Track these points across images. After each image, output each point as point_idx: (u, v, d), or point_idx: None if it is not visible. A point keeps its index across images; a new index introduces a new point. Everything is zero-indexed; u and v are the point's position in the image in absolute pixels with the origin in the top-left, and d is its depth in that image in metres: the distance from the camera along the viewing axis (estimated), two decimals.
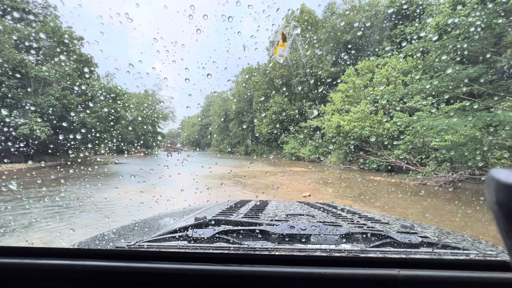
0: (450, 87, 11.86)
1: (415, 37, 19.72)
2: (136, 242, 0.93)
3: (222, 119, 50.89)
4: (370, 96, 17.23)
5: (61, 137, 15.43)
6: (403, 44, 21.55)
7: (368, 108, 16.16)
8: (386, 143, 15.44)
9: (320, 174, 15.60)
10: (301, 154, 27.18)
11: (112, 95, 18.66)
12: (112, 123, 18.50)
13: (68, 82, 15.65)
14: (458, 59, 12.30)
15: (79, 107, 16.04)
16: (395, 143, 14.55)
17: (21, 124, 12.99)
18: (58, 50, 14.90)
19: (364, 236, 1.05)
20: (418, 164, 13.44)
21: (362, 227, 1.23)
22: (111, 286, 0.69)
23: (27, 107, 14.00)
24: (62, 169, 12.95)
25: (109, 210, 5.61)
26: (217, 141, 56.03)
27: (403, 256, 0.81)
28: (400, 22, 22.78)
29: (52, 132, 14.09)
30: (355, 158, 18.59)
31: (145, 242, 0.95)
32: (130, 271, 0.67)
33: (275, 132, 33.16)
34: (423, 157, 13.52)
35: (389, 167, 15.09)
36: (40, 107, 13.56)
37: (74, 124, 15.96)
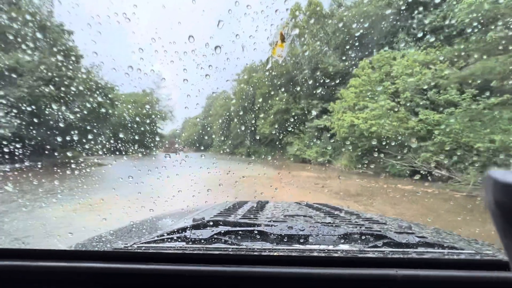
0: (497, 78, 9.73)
1: (438, 25, 17.59)
2: (134, 243, 0.93)
3: (223, 120, 49.38)
4: (388, 90, 15.05)
5: (34, 135, 13.44)
6: (419, 35, 19.54)
7: (388, 103, 13.97)
8: (409, 144, 13.22)
9: (333, 181, 13.37)
10: (306, 156, 25.15)
11: (98, 89, 16.65)
12: (97, 120, 16.45)
13: (44, 72, 13.67)
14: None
15: (57, 101, 14.04)
16: (422, 144, 12.33)
17: None
18: (31, 35, 12.93)
19: (362, 236, 1.02)
20: (453, 170, 11.20)
21: (360, 227, 1.18)
22: None
23: None
24: (30, 173, 10.98)
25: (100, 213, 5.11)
26: (218, 142, 54.77)
27: (401, 256, 0.79)
28: (418, 12, 20.72)
29: (21, 129, 12.09)
30: (370, 161, 16.36)
31: (142, 243, 0.94)
32: (127, 273, 0.67)
33: (278, 132, 31.40)
34: (457, 160, 11.28)
35: (414, 173, 12.82)
36: (5, 98, 11.57)
37: (51, 122, 13.93)
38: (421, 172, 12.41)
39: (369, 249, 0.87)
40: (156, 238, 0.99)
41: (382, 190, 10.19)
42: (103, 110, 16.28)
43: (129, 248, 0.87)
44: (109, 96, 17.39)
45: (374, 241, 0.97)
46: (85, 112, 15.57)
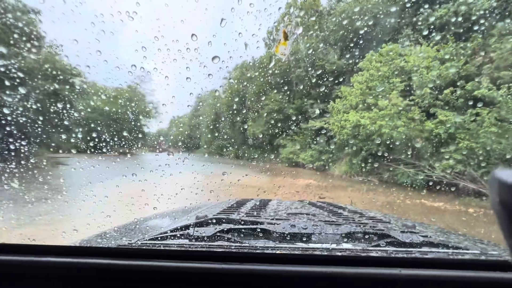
0: None
1: (452, 20, 15.98)
2: (138, 240, 0.93)
3: (213, 119, 46.95)
4: (398, 87, 13.14)
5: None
6: (425, 32, 18.03)
7: (401, 101, 12.01)
8: (425, 150, 11.27)
9: (339, 192, 11.13)
10: (301, 160, 23.13)
11: (55, 71, 13.81)
12: (54, 109, 13.57)
13: None
14: None
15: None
16: (442, 150, 10.39)
17: None
18: None
19: (365, 235, 1.01)
20: (483, 182, 9.27)
21: (364, 226, 1.17)
22: (112, 284, 0.68)
23: None
24: None
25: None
26: (207, 143, 52.22)
27: (405, 255, 0.79)
28: (425, 6, 19.21)
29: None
30: (375, 168, 14.36)
31: (146, 240, 0.94)
32: (131, 269, 0.67)
33: (271, 134, 29.39)
34: (487, 171, 9.38)
35: (432, 183, 10.81)
36: None
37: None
38: (438, 182, 10.44)
39: (372, 248, 0.86)
40: (159, 235, 0.98)
41: (413, 208, 8.08)
42: (58, 95, 13.46)
43: (133, 245, 0.88)
44: (70, 80, 14.55)
45: (378, 240, 0.95)
46: (38, 97, 12.71)
